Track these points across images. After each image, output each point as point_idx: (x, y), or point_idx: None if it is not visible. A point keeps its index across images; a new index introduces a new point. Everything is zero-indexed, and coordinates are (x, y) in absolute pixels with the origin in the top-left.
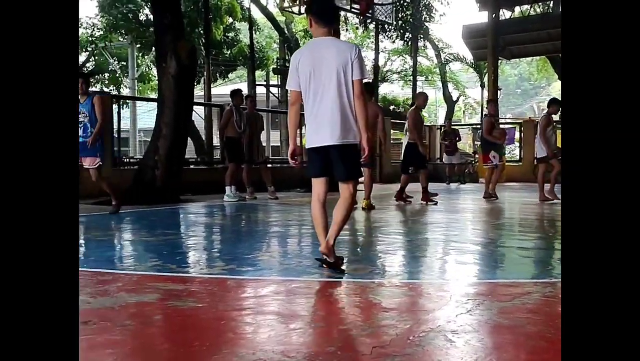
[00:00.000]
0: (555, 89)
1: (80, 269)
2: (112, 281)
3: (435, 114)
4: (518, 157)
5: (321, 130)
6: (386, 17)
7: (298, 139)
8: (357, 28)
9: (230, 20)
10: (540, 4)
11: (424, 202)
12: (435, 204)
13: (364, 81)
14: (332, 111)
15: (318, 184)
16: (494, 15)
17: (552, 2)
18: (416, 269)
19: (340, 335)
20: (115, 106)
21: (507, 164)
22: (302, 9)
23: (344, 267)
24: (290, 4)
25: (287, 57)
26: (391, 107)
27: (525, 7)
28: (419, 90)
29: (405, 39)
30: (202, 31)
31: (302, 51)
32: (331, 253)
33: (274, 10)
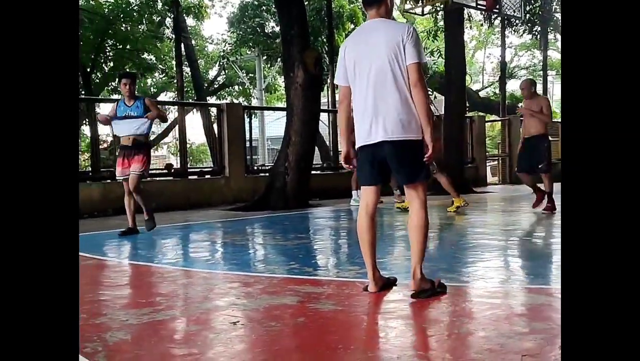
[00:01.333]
0: None
1: (223, 272)
2: (254, 283)
3: None
4: None
5: (372, 124)
6: (514, 12)
7: (352, 141)
8: (481, 25)
9: (352, 26)
10: None
11: (546, 211)
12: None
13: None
14: (385, 101)
15: (367, 193)
16: None
17: None
18: (548, 274)
19: (479, 342)
20: (245, 116)
21: None
22: (426, 10)
23: (442, 282)
24: (413, 5)
25: None
26: (519, 105)
27: None
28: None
29: (534, 32)
30: (325, 39)
31: (348, 39)
32: (420, 285)
33: (395, 13)
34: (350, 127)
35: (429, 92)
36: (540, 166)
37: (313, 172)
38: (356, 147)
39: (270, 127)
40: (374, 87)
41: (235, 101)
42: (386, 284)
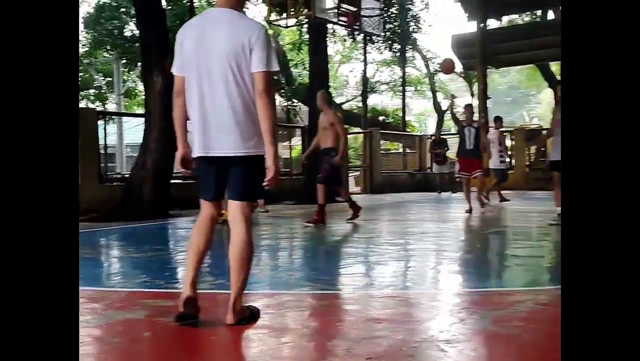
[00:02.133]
0: (546, 95)
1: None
2: (100, 299)
3: (425, 123)
4: (509, 165)
5: (207, 134)
6: (374, 29)
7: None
8: (344, 40)
9: None
10: (527, 13)
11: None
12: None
13: (273, 71)
14: (222, 109)
15: (204, 207)
16: (482, 24)
17: (539, 11)
18: (408, 280)
19: (333, 348)
20: (100, 122)
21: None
22: (290, 22)
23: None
24: (278, 17)
25: None
26: (380, 118)
27: (514, 16)
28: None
29: (393, 49)
30: None
31: (190, 24)
32: (239, 316)
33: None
34: (184, 126)
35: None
36: (317, 176)
37: (174, 180)
38: (193, 155)
39: (130, 133)
40: (210, 92)
41: (91, 106)
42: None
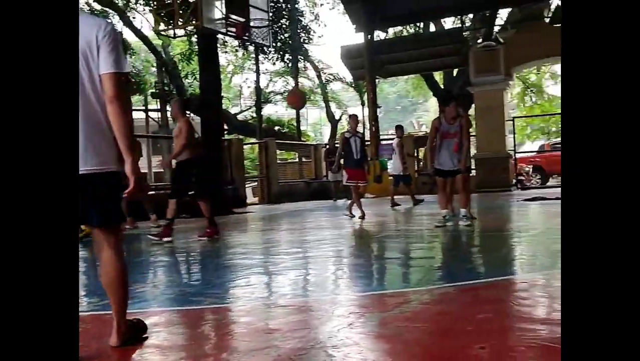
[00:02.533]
0: (432, 104)
1: None
2: None
3: (320, 133)
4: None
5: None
6: (263, 40)
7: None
8: (236, 50)
9: None
10: (411, 25)
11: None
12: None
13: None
14: (80, 121)
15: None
16: (369, 36)
17: (422, 23)
18: (301, 288)
19: None
20: None
21: (389, 177)
22: (178, 33)
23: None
24: (166, 27)
25: (164, 81)
26: (276, 128)
27: (399, 28)
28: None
29: (285, 60)
30: None
31: None
32: (125, 337)
33: (149, 33)
34: None
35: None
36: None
37: None
38: None
39: None
40: (81, 101)
41: None
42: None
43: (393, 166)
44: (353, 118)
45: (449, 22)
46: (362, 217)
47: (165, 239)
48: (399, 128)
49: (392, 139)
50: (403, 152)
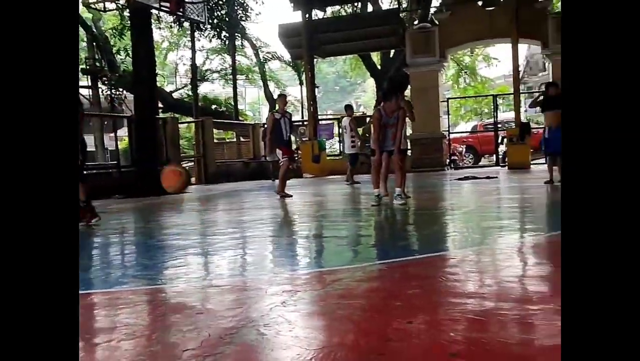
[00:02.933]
0: (370, 84)
1: None
2: None
3: (259, 112)
4: (338, 151)
5: None
6: (198, 16)
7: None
8: (171, 26)
9: None
10: (349, 5)
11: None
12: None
13: None
14: None
15: None
16: (307, 15)
17: (359, 3)
18: (236, 268)
19: (151, 344)
20: None
21: (327, 158)
22: (109, 5)
23: None
24: (96, 0)
25: (96, 57)
26: (213, 107)
27: (337, 7)
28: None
29: (222, 37)
30: None
31: None
32: None
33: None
34: None
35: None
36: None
37: None
38: None
39: None
40: None
41: None
42: None
43: (345, 145)
44: (281, 99)
45: (386, 3)
46: (281, 193)
47: (94, 221)
48: (349, 107)
49: (330, 119)
50: (353, 131)
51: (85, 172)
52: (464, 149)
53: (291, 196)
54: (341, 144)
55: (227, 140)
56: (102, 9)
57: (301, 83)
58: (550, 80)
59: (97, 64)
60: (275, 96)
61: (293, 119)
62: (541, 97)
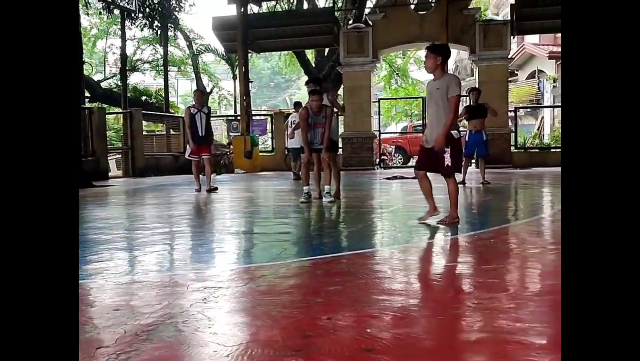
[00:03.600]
0: (304, 82)
1: None
2: None
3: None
4: (271, 147)
5: None
6: (128, 4)
7: None
8: (100, 13)
9: None
10: (285, 1)
11: None
12: None
13: None
14: None
15: None
16: (242, 9)
17: (295, 0)
18: (158, 264)
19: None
20: None
21: (260, 154)
22: None
23: None
24: None
25: None
26: (143, 98)
27: (272, 3)
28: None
29: (154, 27)
30: None
31: None
32: None
33: None
34: None
35: None
36: None
37: None
38: None
39: None
40: None
41: None
42: None
43: (293, 140)
44: (198, 94)
45: (322, 1)
46: (199, 190)
47: None
48: (298, 104)
49: (264, 115)
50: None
51: None
52: (394, 150)
53: (200, 190)
54: (288, 140)
55: (157, 132)
56: None
57: (235, 77)
58: (477, 85)
59: None
60: (208, 89)
61: (221, 113)
62: (466, 113)
